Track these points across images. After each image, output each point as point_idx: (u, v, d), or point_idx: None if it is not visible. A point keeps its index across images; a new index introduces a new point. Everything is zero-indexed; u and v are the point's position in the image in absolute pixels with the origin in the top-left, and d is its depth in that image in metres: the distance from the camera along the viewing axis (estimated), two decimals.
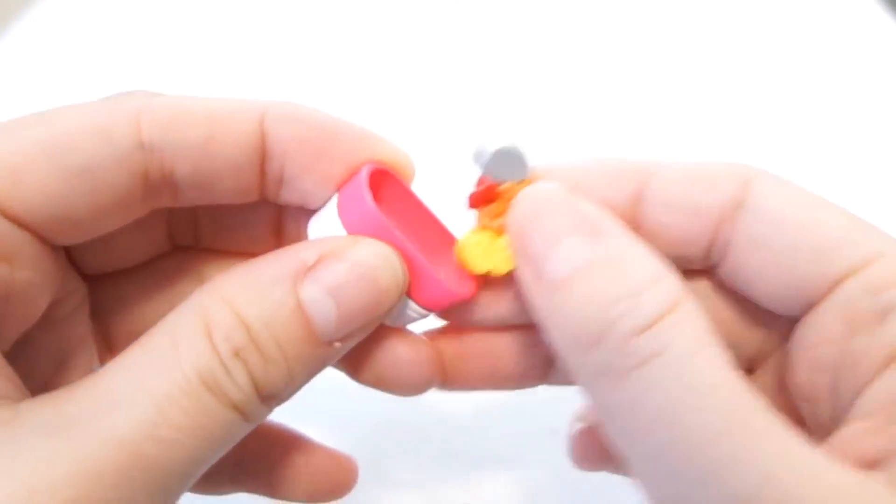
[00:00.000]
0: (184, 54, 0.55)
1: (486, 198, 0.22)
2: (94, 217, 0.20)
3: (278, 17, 0.58)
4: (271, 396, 0.19)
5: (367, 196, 0.20)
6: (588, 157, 0.22)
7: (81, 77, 0.53)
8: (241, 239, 0.24)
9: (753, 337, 0.23)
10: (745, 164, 0.21)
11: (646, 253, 0.18)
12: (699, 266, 0.22)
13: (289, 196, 0.22)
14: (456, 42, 0.56)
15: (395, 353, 0.23)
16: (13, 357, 0.20)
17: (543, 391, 0.37)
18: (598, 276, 0.18)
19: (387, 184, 0.23)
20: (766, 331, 0.23)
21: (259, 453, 0.25)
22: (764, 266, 0.20)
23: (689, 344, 0.17)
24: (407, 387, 0.23)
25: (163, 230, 0.24)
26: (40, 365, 0.22)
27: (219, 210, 0.24)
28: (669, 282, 0.18)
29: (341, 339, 0.20)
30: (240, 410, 0.18)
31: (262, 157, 0.21)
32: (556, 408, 0.37)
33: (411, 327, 0.23)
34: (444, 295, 0.22)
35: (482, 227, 0.22)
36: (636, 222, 0.21)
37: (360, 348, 0.22)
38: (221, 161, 0.21)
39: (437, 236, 0.23)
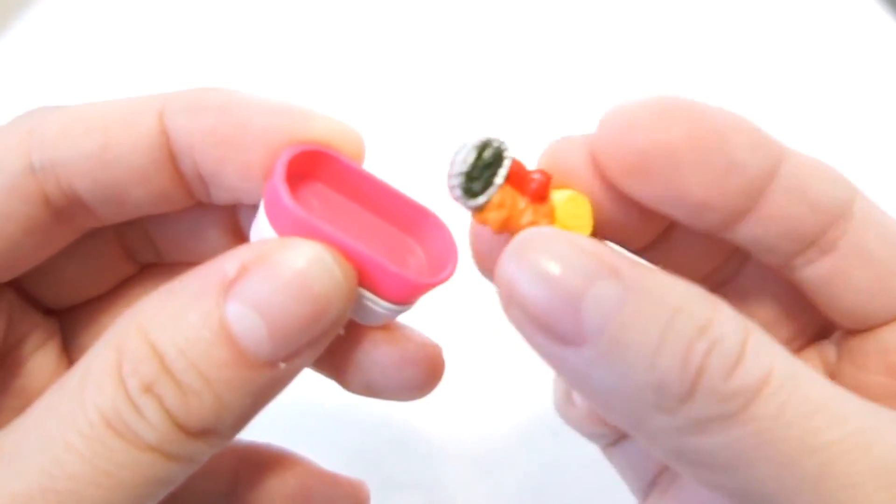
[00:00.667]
0: (183, 53, 0.55)
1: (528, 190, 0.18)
2: (4, 252, 0.19)
3: (277, 16, 0.58)
4: (204, 431, 0.17)
5: (284, 191, 0.18)
6: (732, 112, 0.19)
7: (81, 77, 0.53)
8: (200, 248, 0.22)
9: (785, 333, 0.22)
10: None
11: (676, 278, 0.16)
12: (778, 265, 0.20)
13: (219, 195, 0.20)
14: (456, 43, 0.56)
15: (381, 357, 0.21)
16: None
17: (543, 391, 0.37)
18: (650, 320, 0.15)
19: (327, 166, 0.20)
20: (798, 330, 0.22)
21: (252, 482, 0.23)
22: (861, 275, 0.19)
23: (786, 362, 0.16)
24: (400, 392, 0.21)
25: (118, 252, 0.23)
26: (7, 412, 0.21)
27: (164, 221, 0.22)
28: (722, 302, 0.16)
29: (286, 358, 0.17)
30: (159, 451, 0.16)
31: (170, 156, 0.19)
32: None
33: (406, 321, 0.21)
34: (409, 287, 0.19)
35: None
36: (758, 200, 0.18)
37: (343, 354, 0.21)
38: (123, 169, 0.19)
39: (404, 215, 0.20)
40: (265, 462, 0.24)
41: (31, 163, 0.19)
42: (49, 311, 0.23)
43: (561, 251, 0.16)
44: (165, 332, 0.16)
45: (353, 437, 0.35)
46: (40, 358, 0.22)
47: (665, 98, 0.18)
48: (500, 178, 0.18)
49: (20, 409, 0.20)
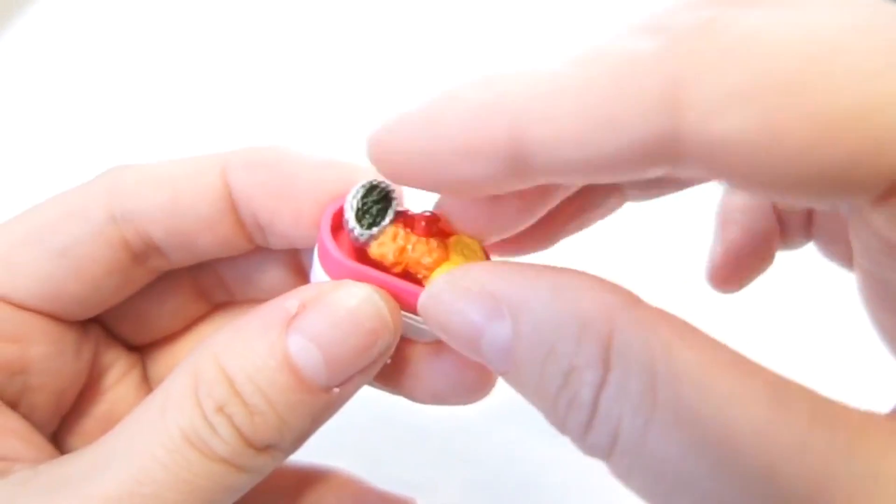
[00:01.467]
0: (183, 54, 0.55)
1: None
2: (90, 290, 0.22)
3: (277, 17, 0.58)
4: (269, 447, 0.19)
5: (330, 245, 0.20)
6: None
7: (81, 77, 0.54)
8: (266, 286, 0.25)
9: None
10: None
11: (556, 294, 0.16)
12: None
13: (275, 241, 0.22)
14: (453, 45, 0.56)
15: (441, 366, 0.22)
16: (67, 426, 0.23)
17: None
18: (532, 361, 0.16)
19: None
20: None
21: (311, 501, 0.25)
22: None
23: (635, 420, 0.15)
24: (463, 396, 0.23)
25: (191, 293, 0.25)
26: (93, 432, 0.23)
27: (232, 263, 0.24)
28: (590, 332, 0.16)
29: (340, 384, 0.19)
30: (230, 463, 0.18)
31: (232, 207, 0.22)
32: None
33: None
34: None
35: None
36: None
37: (407, 370, 0.23)
38: (191, 219, 0.22)
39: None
40: (322, 482, 0.26)
41: (112, 213, 0.21)
42: (131, 347, 0.25)
43: (452, 301, 0.18)
44: (236, 361, 0.19)
45: (353, 436, 0.35)
46: (123, 387, 0.24)
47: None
48: (390, 214, 0.20)
49: (104, 433, 0.22)
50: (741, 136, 0.13)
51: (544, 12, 0.58)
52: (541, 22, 0.57)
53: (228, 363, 0.19)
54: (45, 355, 0.21)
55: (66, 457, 0.19)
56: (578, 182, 0.19)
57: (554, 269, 0.17)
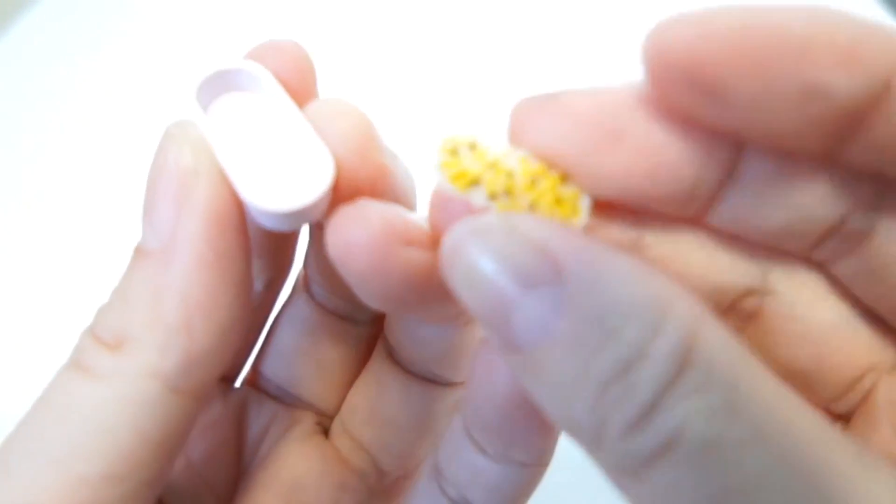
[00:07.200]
0: (184, 54, 0.55)
1: None
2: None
3: (281, 18, 0.58)
4: None
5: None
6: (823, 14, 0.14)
7: (82, 77, 0.53)
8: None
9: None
10: None
11: (636, 276, 0.13)
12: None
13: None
14: (455, 39, 0.56)
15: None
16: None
17: None
18: (580, 344, 0.13)
19: None
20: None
21: None
22: None
23: (709, 424, 0.12)
24: None
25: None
26: (269, 499, 0.21)
27: None
28: (674, 323, 0.13)
29: None
30: None
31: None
32: None
33: None
34: None
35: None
36: (859, 129, 0.14)
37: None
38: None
39: None
40: None
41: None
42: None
43: (497, 244, 0.13)
44: None
45: None
46: (291, 444, 0.22)
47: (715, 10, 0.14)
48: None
49: (283, 495, 0.19)
50: None
51: (544, 12, 0.58)
52: (540, 21, 0.57)
53: None
54: None
55: None
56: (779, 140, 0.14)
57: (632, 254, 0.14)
